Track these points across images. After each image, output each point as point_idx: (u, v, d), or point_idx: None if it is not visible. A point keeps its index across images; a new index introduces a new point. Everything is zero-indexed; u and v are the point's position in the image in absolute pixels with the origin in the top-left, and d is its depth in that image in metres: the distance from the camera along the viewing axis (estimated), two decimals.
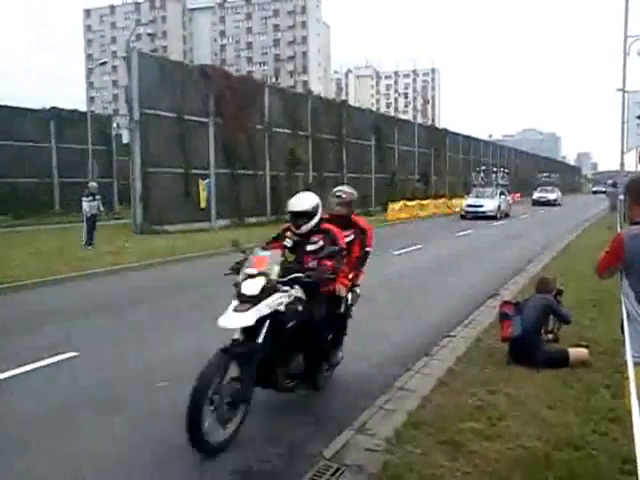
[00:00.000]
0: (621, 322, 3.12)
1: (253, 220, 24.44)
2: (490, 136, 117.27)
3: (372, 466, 3.80)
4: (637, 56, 21.52)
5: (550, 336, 6.51)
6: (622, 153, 22.40)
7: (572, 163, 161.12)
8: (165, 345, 7.03)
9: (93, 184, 18.04)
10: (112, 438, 4.46)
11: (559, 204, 46.22)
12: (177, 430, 4.44)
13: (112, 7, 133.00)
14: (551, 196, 47.35)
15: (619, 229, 16.00)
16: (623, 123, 21.54)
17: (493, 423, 4.39)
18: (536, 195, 47.98)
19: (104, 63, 74.25)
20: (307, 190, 24.86)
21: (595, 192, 79.12)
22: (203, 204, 22.55)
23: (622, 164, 23.06)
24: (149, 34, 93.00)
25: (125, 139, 34.28)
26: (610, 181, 44.49)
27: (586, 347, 5.96)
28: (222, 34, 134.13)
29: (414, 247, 16.87)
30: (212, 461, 4.07)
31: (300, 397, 5.28)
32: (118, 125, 44.81)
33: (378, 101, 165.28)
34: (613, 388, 4.93)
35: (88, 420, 4.76)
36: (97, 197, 17.12)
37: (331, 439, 4.25)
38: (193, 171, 22.46)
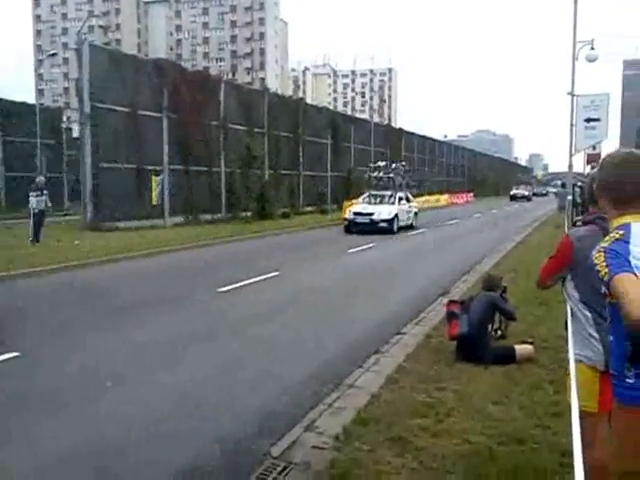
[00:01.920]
0: (565, 321, 3.18)
1: (208, 217, 24.16)
2: (445, 136, 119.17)
3: (319, 464, 3.79)
4: (585, 61, 22.22)
5: (498, 333, 6.65)
6: (571, 155, 23.05)
7: (524, 164, 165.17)
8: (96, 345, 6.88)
9: (41, 178, 17.52)
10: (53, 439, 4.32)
11: (530, 199, 57.77)
12: (120, 430, 4.35)
13: None
14: (525, 192, 59.87)
15: (565, 226, 16.48)
16: (572, 126, 22.17)
17: (440, 419, 4.44)
18: (513, 192, 59.99)
19: (54, 55, 72.40)
20: (262, 187, 24.66)
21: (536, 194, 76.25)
22: (155, 201, 22.15)
23: (570, 166, 23.73)
24: (102, 26, 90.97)
25: (75, 133, 33.37)
26: (559, 182, 45.75)
27: (531, 344, 6.10)
28: (178, 28, 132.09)
29: (370, 245, 16.98)
30: (155, 460, 3.99)
31: (247, 394, 5.24)
32: (69, 119, 43.67)
33: (335, 99, 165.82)
34: (556, 384, 5.04)
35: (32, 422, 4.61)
36: (45, 192, 16.63)
37: (279, 437, 4.23)
38: (146, 167, 22.04)
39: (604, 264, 2.08)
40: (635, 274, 2.02)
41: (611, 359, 2.34)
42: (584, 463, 2.83)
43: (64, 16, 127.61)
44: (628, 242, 2.13)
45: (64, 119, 39.92)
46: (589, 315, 2.92)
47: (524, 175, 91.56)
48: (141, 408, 4.92)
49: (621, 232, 2.18)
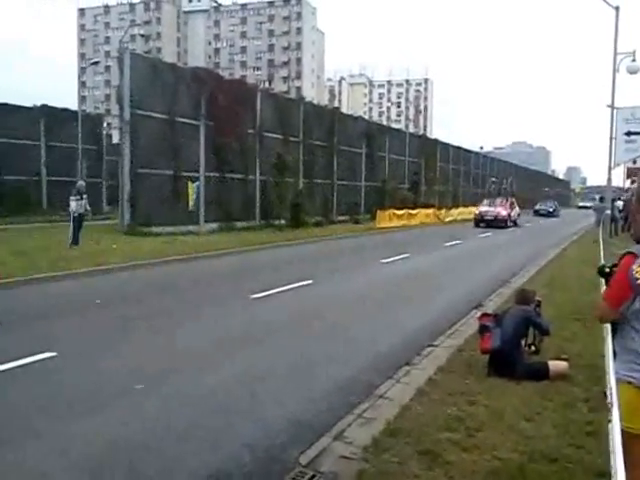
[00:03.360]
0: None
1: (242, 224, 24.38)
2: (481, 148, 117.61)
3: (347, 474, 3.79)
4: (626, 73, 21.81)
5: (532, 348, 6.55)
6: (610, 169, 22.62)
7: (561, 177, 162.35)
8: (141, 347, 6.99)
9: (81, 183, 17.93)
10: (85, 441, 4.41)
11: (557, 215, 52.25)
12: (149, 434, 4.42)
13: (107, 7, 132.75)
14: (550, 208, 54.81)
15: (600, 241, 16.16)
16: (611, 139, 21.78)
17: (471, 434, 4.40)
18: (537, 207, 55.54)
19: (97, 62, 73.98)
20: (296, 196, 24.87)
21: (580, 207, 79.45)
22: (191, 207, 22.44)
23: (609, 179, 23.28)
24: (143, 35, 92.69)
25: (115, 139, 34.08)
26: (597, 196, 44.81)
27: (566, 360, 5.99)
28: (216, 37, 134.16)
29: (402, 255, 16.92)
30: (187, 465, 4.04)
31: (278, 401, 5.27)
32: (109, 125, 44.65)
33: (371, 109, 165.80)
34: (592, 402, 4.95)
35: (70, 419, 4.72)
36: (85, 196, 17.01)
37: (308, 446, 4.24)
38: (183, 173, 22.37)
39: None
40: None
41: None
42: None
43: (107, 25, 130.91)
44: None
45: (104, 125, 40.79)
46: None
47: (552, 188, 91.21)
48: (169, 414, 4.99)
49: None
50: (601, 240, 16.78)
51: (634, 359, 2.79)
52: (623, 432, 2.78)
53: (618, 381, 2.84)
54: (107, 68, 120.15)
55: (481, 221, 32.36)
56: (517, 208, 36.78)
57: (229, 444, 4.37)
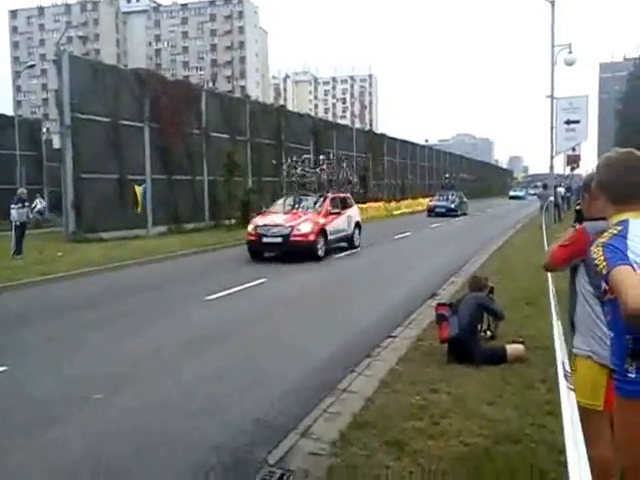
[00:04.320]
0: (571, 317, 3.14)
1: (191, 226, 24.02)
2: (426, 141, 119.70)
3: (317, 470, 3.76)
4: (564, 65, 22.53)
5: (488, 333, 6.69)
6: (551, 157, 23.31)
7: (505, 166, 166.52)
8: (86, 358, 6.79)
9: (22, 190, 17.32)
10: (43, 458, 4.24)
11: (459, 213, 35.44)
12: (109, 443, 4.30)
13: (41, 8, 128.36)
14: (451, 204, 36.05)
15: (543, 228, 16.66)
16: (552, 128, 22.45)
17: (436, 421, 4.44)
18: (432, 203, 37.19)
19: (32, 66, 71.71)
20: (245, 195, 24.55)
21: (512, 197, 74.44)
22: (138, 210, 21.94)
23: (552, 167, 24.01)
24: (80, 37, 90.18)
25: (56, 144, 33.02)
26: (540, 183, 46.17)
27: (522, 343, 6.13)
28: (157, 38, 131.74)
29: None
30: (152, 472, 3.94)
31: (242, 402, 5.20)
32: (48, 130, 43.24)
33: (316, 106, 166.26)
34: (549, 382, 5.06)
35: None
36: (26, 204, 16.43)
37: (275, 445, 4.19)
38: (128, 177, 21.86)
39: (602, 258, 2.14)
40: (633, 267, 2.06)
41: (611, 355, 2.36)
42: (590, 460, 2.84)
43: (41, 27, 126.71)
44: (626, 237, 2.17)
45: (44, 130, 39.49)
46: (600, 310, 2.90)
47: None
48: (131, 420, 4.86)
49: (619, 228, 2.23)
50: (544, 226, 17.30)
51: (592, 335, 2.86)
52: (583, 408, 2.85)
53: (577, 356, 2.91)
54: (43, 71, 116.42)
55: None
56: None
57: (194, 448, 4.29)
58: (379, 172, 45.07)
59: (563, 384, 2.66)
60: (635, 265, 2.08)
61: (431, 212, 34.72)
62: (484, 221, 31.99)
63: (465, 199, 38.55)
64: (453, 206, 34.94)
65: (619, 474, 2.90)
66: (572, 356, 2.98)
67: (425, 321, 7.77)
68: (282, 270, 13.66)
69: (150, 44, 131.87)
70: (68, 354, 6.88)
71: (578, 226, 3.13)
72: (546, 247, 10.85)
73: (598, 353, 2.80)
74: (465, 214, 35.96)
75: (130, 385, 5.75)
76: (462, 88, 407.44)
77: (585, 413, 2.84)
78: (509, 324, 6.93)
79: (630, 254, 2.11)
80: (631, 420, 2.21)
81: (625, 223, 2.25)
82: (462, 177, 70.60)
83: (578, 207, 3.33)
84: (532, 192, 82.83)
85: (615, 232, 2.22)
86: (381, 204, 38.14)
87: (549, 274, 7.50)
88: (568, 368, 2.83)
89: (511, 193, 78.74)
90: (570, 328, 3.17)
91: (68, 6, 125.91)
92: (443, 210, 34.30)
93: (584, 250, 2.74)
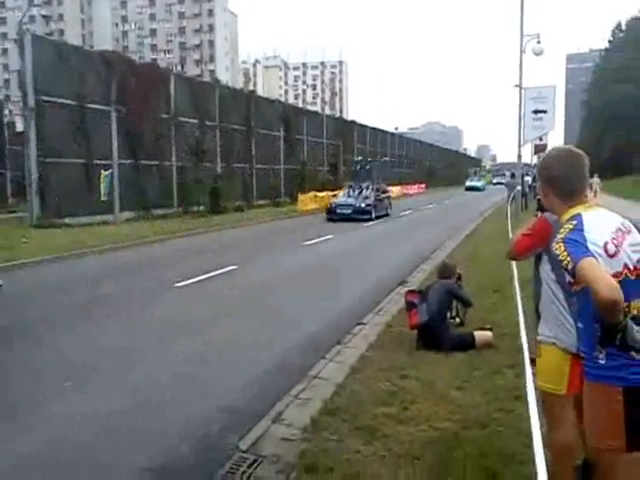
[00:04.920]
0: (536, 304, 3.20)
1: (159, 212, 23.68)
2: (396, 128, 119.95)
3: (289, 455, 3.79)
4: (533, 54, 22.79)
5: (457, 320, 6.78)
6: (519, 146, 23.63)
7: (473, 155, 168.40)
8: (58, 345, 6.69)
9: None
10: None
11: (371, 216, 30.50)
12: (80, 431, 4.25)
13: None
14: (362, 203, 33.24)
15: (508, 217, 16.96)
16: (520, 117, 22.73)
17: (405, 407, 4.50)
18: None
19: None
20: (214, 181, 24.24)
21: (495, 184, 75.02)
22: (103, 196, 21.51)
23: (519, 156, 24.34)
24: (44, 16, 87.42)
25: (19, 127, 32.16)
26: (507, 172, 46.79)
27: (490, 330, 6.24)
28: (124, 19, 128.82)
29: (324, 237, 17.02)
30: (121, 460, 3.91)
31: (212, 389, 5.19)
32: (11, 112, 42.08)
33: (287, 92, 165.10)
34: (516, 368, 5.17)
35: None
36: None
37: (246, 431, 4.20)
38: (95, 161, 21.43)
39: (565, 253, 2.21)
40: (595, 257, 2.16)
41: (580, 343, 2.42)
42: (551, 445, 2.93)
43: (2, 5, 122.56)
44: (582, 230, 2.27)
45: (6, 112, 38.37)
46: (563, 298, 2.96)
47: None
48: (102, 408, 4.80)
49: (574, 222, 2.33)
50: (509, 215, 17.61)
51: (556, 322, 2.92)
52: (546, 393, 2.93)
53: (542, 343, 2.97)
54: (4, 51, 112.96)
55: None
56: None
57: (165, 437, 4.27)
58: (350, 159, 45.14)
59: (529, 370, 2.73)
60: (597, 255, 2.18)
61: (332, 214, 23.78)
62: (414, 226, 32.14)
63: (388, 193, 28.28)
64: (364, 205, 24.14)
65: (581, 457, 3.00)
66: (537, 343, 3.04)
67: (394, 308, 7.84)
68: (251, 257, 13.62)
69: (117, 25, 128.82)
70: (33, 343, 6.76)
71: (540, 215, 3.18)
72: (510, 234, 11.04)
73: (561, 339, 2.87)
74: (386, 215, 26.01)
75: (99, 374, 5.68)
76: (432, 77, 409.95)
77: (548, 398, 2.92)
78: (477, 311, 7.04)
79: (590, 245, 2.21)
80: (600, 403, 2.28)
81: (578, 217, 2.35)
82: (391, 159, 53.75)
83: (539, 196, 3.40)
84: (495, 181, 78.88)
85: (571, 227, 2.31)
86: None
87: (514, 262, 7.68)
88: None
89: (467, 183, 63.61)
90: (536, 316, 3.23)
91: None
92: (348, 211, 23.63)
93: (547, 239, 2.83)
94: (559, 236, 2.30)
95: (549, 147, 26.54)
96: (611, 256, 2.24)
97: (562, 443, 2.87)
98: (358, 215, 23.44)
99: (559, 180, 2.51)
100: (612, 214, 2.49)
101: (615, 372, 2.22)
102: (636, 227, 2.45)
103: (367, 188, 25.98)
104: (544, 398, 3.00)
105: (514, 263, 7.94)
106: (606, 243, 2.25)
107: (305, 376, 5.32)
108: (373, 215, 24.12)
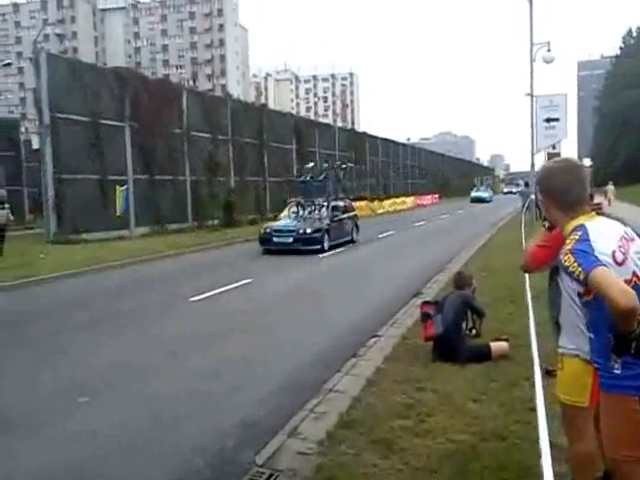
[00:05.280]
0: (553, 315, 3.18)
1: (174, 227, 23.86)
2: (408, 139, 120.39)
3: (305, 470, 3.78)
4: (543, 62, 22.75)
5: (473, 332, 6.74)
6: (532, 154, 23.54)
7: (486, 164, 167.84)
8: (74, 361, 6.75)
9: (2, 192, 17.09)
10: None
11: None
12: (96, 447, 4.28)
13: (15, 5, 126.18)
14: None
15: (522, 227, 16.85)
16: (532, 126, 22.67)
17: (422, 419, 4.48)
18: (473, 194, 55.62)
19: (9, 64, 70.59)
20: (228, 195, 24.23)
21: (506, 193, 76.56)
22: (119, 211, 21.73)
23: (533, 165, 24.21)
24: (58, 34, 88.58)
25: (35, 144, 32.60)
26: (522, 181, 46.48)
27: (506, 340, 6.20)
28: (136, 36, 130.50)
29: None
30: (137, 475, 3.93)
31: (228, 403, 5.20)
32: (27, 130, 42.69)
33: (298, 105, 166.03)
34: (533, 379, 5.13)
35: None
36: (6, 206, 16.23)
37: (262, 445, 4.20)
38: (110, 177, 21.66)
39: (576, 264, 2.21)
40: (606, 266, 2.16)
41: (593, 353, 2.41)
42: (573, 457, 2.91)
43: (17, 24, 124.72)
44: (589, 240, 2.27)
45: (22, 130, 38.94)
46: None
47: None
48: (118, 423, 4.83)
49: (580, 233, 2.33)
50: (523, 224, 17.52)
51: (578, 333, 2.89)
52: (568, 406, 2.90)
53: (564, 355, 2.93)
54: (20, 70, 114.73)
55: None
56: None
57: (180, 451, 4.28)
58: (362, 171, 45.17)
59: (539, 381, 2.71)
60: (607, 264, 2.19)
61: (267, 244, 17.46)
62: (471, 218, 32.08)
63: (351, 212, 20.79)
64: (310, 231, 17.32)
65: (602, 468, 2.96)
66: (559, 356, 2.99)
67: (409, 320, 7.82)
68: (267, 270, 13.65)
69: (129, 42, 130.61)
70: (49, 359, 6.82)
71: (547, 224, 3.17)
72: (524, 243, 10.98)
73: (585, 350, 2.82)
74: (350, 242, 19.37)
75: (115, 388, 5.71)
76: (443, 87, 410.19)
77: (571, 410, 2.89)
78: (493, 321, 7.00)
79: (599, 255, 2.21)
80: (617, 413, 2.27)
81: (583, 228, 2.35)
82: (403, 170, 55.73)
83: None
84: (506, 190, 78.75)
85: (577, 237, 2.31)
86: (364, 203, 38.20)
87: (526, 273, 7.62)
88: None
89: (472, 194, 57.35)
90: (554, 327, 3.20)
91: (44, 3, 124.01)
92: (289, 240, 17.21)
93: None
94: (566, 247, 2.30)
95: (562, 155, 26.47)
96: (619, 264, 2.25)
97: (584, 455, 2.84)
98: (303, 245, 16.70)
99: (559, 192, 2.51)
100: (614, 222, 2.49)
101: (631, 382, 2.21)
102: (638, 234, 2.45)
103: (322, 206, 18.53)
104: (565, 411, 2.96)
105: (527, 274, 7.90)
106: (614, 252, 2.26)
107: (320, 390, 5.32)
108: (326, 244, 17.13)
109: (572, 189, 2.48)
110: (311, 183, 19.98)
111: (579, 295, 2.35)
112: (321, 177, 20.36)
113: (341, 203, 20.06)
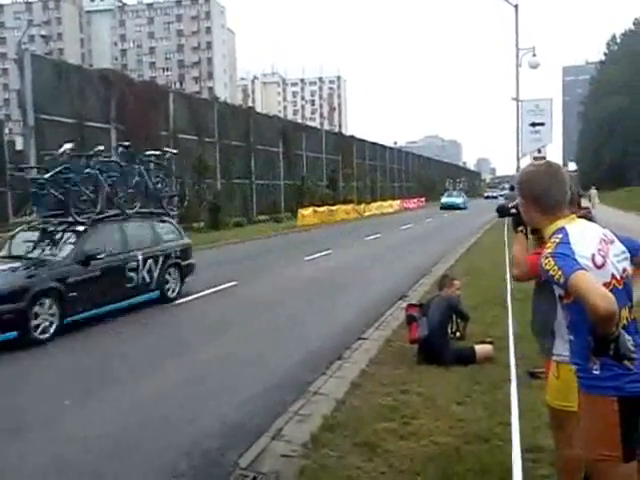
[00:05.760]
0: (541, 322, 3.14)
1: None
2: (395, 143, 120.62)
3: (289, 472, 3.77)
4: (528, 67, 22.93)
5: (457, 334, 6.76)
6: (518, 159, 23.69)
7: (472, 168, 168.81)
8: None
9: None
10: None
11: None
12: (78, 449, 4.23)
13: (0, 5, 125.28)
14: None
15: (505, 230, 16.88)
16: (518, 130, 22.82)
17: (406, 422, 4.48)
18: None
19: None
20: (214, 197, 23.68)
21: (487, 197, 73.00)
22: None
23: (518, 169, 24.34)
24: (43, 36, 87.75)
25: (19, 146, 32.28)
26: (507, 185, 46.77)
27: (491, 343, 6.22)
28: (122, 38, 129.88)
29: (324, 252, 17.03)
30: (120, 477, 3.89)
31: (212, 405, 5.17)
32: (10, 131, 42.28)
33: (285, 108, 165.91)
34: (517, 381, 5.15)
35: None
36: None
37: (246, 448, 4.18)
38: None
39: (556, 267, 2.21)
40: (585, 270, 2.17)
41: (572, 355, 2.42)
42: (563, 461, 2.91)
43: (1, 25, 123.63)
44: (569, 243, 2.27)
45: (6, 131, 38.49)
46: None
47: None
48: (100, 426, 4.78)
49: (560, 236, 2.33)
50: (506, 228, 17.56)
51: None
52: (558, 410, 2.88)
53: (560, 363, 2.86)
54: (4, 71, 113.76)
55: None
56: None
57: (165, 454, 4.25)
58: (349, 174, 45.24)
59: (514, 384, 2.71)
60: (586, 268, 2.19)
61: None
62: (456, 221, 32.21)
63: (174, 243, 10.76)
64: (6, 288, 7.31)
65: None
66: (554, 363, 2.95)
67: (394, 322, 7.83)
68: (252, 272, 13.62)
69: (115, 44, 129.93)
70: (26, 362, 6.74)
71: (523, 228, 3.15)
72: (507, 249, 11.02)
73: None
74: (162, 300, 9.89)
75: (99, 391, 5.66)
76: (430, 91, 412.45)
77: (560, 415, 2.86)
78: (478, 324, 7.03)
79: (579, 258, 2.21)
80: (596, 414, 2.28)
81: (563, 231, 2.35)
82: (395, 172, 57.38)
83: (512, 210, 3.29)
84: (487, 194, 76.08)
85: (557, 241, 2.31)
86: (351, 206, 38.27)
87: (508, 276, 7.62)
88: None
89: (443, 200, 48.93)
90: (539, 332, 3.18)
91: (29, 4, 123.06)
92: None
93: None
94: (547, 251, 2.30)
95: (547, 159, 26.69)
96: (599, 267, 2.25)
97: (574, 459, 2.83)
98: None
99: (540, 195, 2.50)
100: (593, 225, 2.50)
101: (610, 382, 2.22)
102: (617, 236, 2.46)
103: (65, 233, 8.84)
104: (555, 416, 2.94)
105: (508, 277, 7.94)
106: (593, 255, 2.26)
107: (305, 392, 5.30)
108: (45, 324, 7.50)
109: (553, 192, 2.47)
110: (55, 184, 9.01)
111: (560, 298, 2.36)
112: (87, 169, 9.51)
113: (136, 224, 9.98)
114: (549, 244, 2.33)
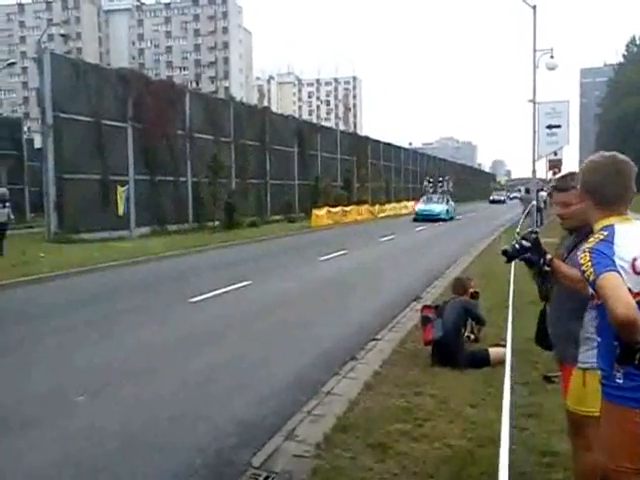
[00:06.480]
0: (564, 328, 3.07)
1: (174, 227, 23.89)
2: (410, 144, 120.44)
3: (301, 472, 3.78)
4: (546, 69, 22.77)
5: (472, 337, 6.74)
6: (534, 161, 23.53)
7: (487, 170, 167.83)
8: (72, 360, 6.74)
9: (4, 190, 17.09)
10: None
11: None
12: (92, 446, 4.27)
13: (20, 5, 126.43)
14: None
15: (518, 230, 16.75)
16: (534, 132, 22.66)
17: (420, 424, 4.47)
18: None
19: (13, 64, 70.42)
20: (229, 197, 23.88)
21: (493, 202, 71.95)
22: (121, 212, 21.76)
23: (534, 171, 24.21)
24: (62, 35, 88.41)
25: (37, 144, 32.63)
26: (522, 187, 46.39)
27: (505, 346, 6.17)
28: (140, 37, 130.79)
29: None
30: (135, 475, 3.92)
31: (225, 404, 5.20)
32: (29, 129, 42.76)
33: (300, 108, 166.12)
34: (531, 385, 5.15)
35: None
36: (7, 204, 16.22)
37: (259, 447, 4.20)
38: (111, 177, 21.70)
39: (589, 264, 2.12)
40: (620, 273, 2.07)
41: (599, 359, 2.34)
42: (582, 467, 2.85)
43: (22, 24, 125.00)
44: (612, 242, 2.17)
45: (25, 129, 38.97)
46: None
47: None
48: (115, 423, 4.83)
49: (605, 233, 2.22)
50: (519, 228, 17.44)
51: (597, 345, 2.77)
52: (578, 416, 2.82)
53: (587, 370, 2.74)
54: (24, 69, 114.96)
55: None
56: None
57: (178, 452, 4.27)
58: (363, 175, 45.18)
59: (507, 390, 2.68)
60: (622, 271, 2.09)
61: None
62: (471, 223, 31.94)
63: None
64: None
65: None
66: (581, 371, 2.80)
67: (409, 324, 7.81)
68: (266, 272, 13.66)
69: (133, 43, 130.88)
70: (46, 357, 6.82)
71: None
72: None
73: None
74: None
75: (114, 388, 5.71)
76: (446, 92, 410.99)
77: (584, 421, 2.76)
78: (492, 327, 6.98)
79: (617, 259, 2.12)
80: (616, 424, 2.21)
81: (610, 228, 2.25)
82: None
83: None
84: (493, 198, 77.36)
85: (601, 237, 2.21)
86: (365, 207, 38.20)
87: (524, 278, 7.55)
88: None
89: (418, 207, 36.96)
90: (557, 342, 3.12)
91: (49, 3, 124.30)
92: None
93: None
94: (587, 245, 2.20)
95: (564, 162, 26.46)
96: (638, 273, 2.14)
97: (592, 464, 2.78)
98: None
99: (597, 186, 2.36)
100: None
101: (633, 393, 2.14)
102: None
103: None
104: (577, 420, 2.86)
105: (523, 279, 7.88)
106: (634, 259, 2.15)
107: (318, 392, 5.31)
108: None
109: (612, 186, 2.34)
110: None
111: (591, 297, 2.28)
112: None
113: None
114: (592, 239, 2.23)
